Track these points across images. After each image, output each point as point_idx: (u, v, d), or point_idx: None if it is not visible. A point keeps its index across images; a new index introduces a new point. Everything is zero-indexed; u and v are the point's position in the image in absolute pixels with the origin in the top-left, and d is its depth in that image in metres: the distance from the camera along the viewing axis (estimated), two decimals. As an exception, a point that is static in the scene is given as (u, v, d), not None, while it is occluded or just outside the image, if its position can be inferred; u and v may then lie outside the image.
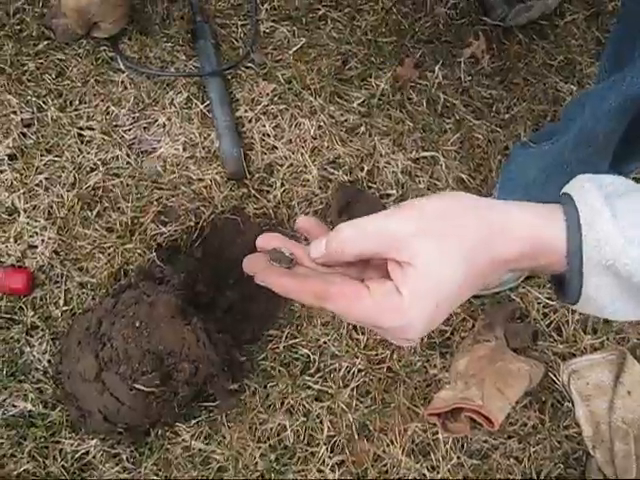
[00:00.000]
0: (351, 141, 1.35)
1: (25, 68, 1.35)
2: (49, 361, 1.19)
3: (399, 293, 0.48)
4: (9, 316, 1.21)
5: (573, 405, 1.26)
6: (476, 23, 1.49)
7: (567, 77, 1.47)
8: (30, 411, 1.17)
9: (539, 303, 1.30)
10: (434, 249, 0.48)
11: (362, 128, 1.36)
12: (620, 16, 1.06)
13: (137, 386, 1.06)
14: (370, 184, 1.33)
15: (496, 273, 0.52)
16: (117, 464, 1.16)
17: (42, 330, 1.20)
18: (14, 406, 1.17)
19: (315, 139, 1.35)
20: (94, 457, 1.16)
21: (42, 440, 1.15)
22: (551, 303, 1.30)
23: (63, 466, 1.14)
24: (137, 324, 1.08)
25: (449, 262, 0.48)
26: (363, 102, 1.39)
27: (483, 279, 0.51)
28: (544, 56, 1.48)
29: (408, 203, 0.50)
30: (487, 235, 0.49)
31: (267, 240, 0.58)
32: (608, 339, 1.30)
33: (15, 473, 1.14)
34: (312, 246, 0.54)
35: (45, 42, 1.37)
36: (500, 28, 1.48)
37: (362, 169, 1.34)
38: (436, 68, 1.42)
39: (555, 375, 1.27)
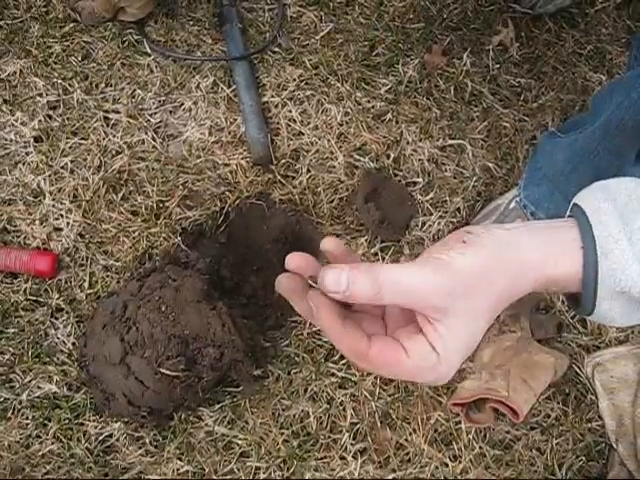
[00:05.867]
0: (378, 128, 1.36)
1: (51, 50, 1.37)
2: (73, 344, 1.20)
3: (435, 352, 0.49)
4: (34, 298, 1.22)
5: (597, 398, 1.26)
6: (505, 10, 1.48)
7: (596, 66, 1.47)
8: (55, 393, 1.18)
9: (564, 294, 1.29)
10: (464, 308, 0.49)
11: (389, 115, 1.37)
12: None
13: (162, 370, 1.07)
14: (396, 172, 1.34)
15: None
16: (140, 447, 1.17)
17: (67, 313, 1.22)
18: (39, 387, 1.18)
19: (342, 125, 1.35)
20: (118, 440, 1.17)
21: (66, 422, 1.17)
22: (576, 295, 1.29)
23: (87, 448, 1.16)
24: (163, 308, 1.09)
25: (477, 318, 0.50)
26: (390, 89, 1.39)
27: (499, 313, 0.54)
28: (573, 45, 1.48)
29: (441, 261, 0.49)
30: (510, 283, 0.51)
31: (297, 261, 0.55)
32: (633, 332, 1.30)
33: (40, 453, 1.15)
34: (328, 277, 0.49)
35: (71, 24, 1.38)
36: (529, 16, 1.48)
37: (388, 156, 1.34)
38: (464, 55, 1.42)
39: (579, 367, 1.27)
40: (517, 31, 1.46)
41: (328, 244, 0.57)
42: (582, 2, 1.49)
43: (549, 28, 1.48)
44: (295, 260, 0.54)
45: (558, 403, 1.25)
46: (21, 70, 1.35)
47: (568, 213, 0.54)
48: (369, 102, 1.37)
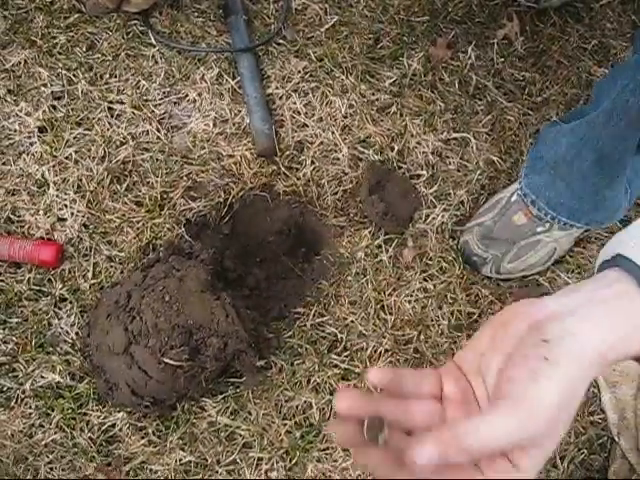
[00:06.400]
0: (382, 120, 1.37)
1: (56, 41, 1.37)
2: (77, 334, 1.21)
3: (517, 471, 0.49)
4: (38, 288, 1.23)
5: (599, 391, 1.27)
6: (510, 4, 1.49)
7: (601, 61, 1.47)
8: (58, 382, 1.19)
9: (568, 288, 1.30)
10: (549, 434, 0.49)
11: (393, 108, 1.38)
12: None
13: (166, 360, 1.08)
14: (400, 164, 1.35)
15: None
16: (143, 437, 1.18)
17: (70, 303, 1.23)
18: (42, 377, 1.19)
19: (346, 118, 1.36)
20: (120, 430, 1.18)
21: (69, 411, 1.18)
22: (579, 288, 1.30)
23: (90, 438, 1.17)
24: (167, 298, 1.10)
25: (564, 427, 0.50)
26: (394, 81, 1.40)
27: None
28: (578, 39, 1.48)
29: (519, 402, 0.48)
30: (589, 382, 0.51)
31: (348, 402, 0.52)
32: None
33: (43, 443, 1.16)
34: (421, 455, 0.47)
35: (76, 15, 1.39)
36: (534, 10, 1.48)
37: (392, 149, 1.35)
38: (469, 49, 1.43)
39: None
40: (522, 25, 1.47)
41: (375, 378, 0.55)
42: (587, -4, 1.51)
43: (554, 22, 1.48)
44: (346, 402, 0.52)
45: (560, 397, 1.26)
46: (25, 60, 1.35)
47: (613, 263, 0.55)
48: (373, 95, 1.38)
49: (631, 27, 1.50)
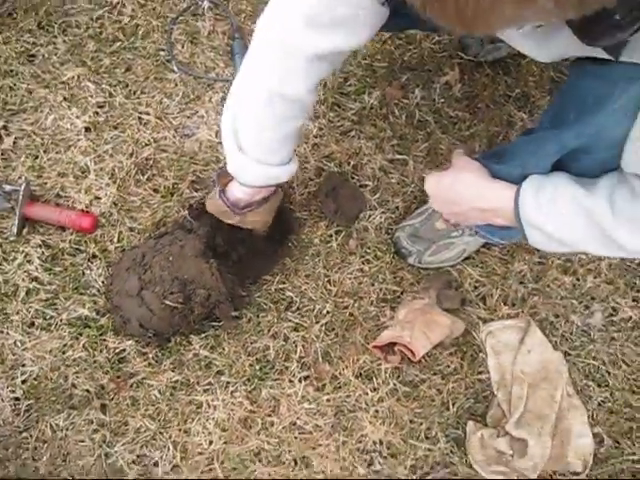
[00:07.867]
0: (343, 142, 1.64)
1: (102, 63, 1.65)
2: (103, 282, 1.48)
3: None
4: (77, 247, 1.51)
5: (486, 357, 1.53)
6: (454, 57, 1.74)
7: (521, 107, 1.73)
8: (86, 316, 1.46)
9: (472, 278, 1.59)
10: None
11: (353, 132, 1.65)
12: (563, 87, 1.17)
13: (166, 302, 1.37)
14: (354, 175, 1.62)
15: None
16: (145, 360, 1.45)
17: (100, 259, 1.50)
18: (75, 311, 1.47)
19: (316, 137, 1.64)
20: (129, 353, 1.45)
21: (93, 337, 1.45)
22: (481, 279, 1.60)
23: (107, 357, 1.45)
24: (170, 259, 1.39)
25: None
26: (356, 112, 1.67)
27: None
28: (505, 88, 1.73)
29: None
30: None
31: None
32: (522, 311, 1.58)
33: (72, 358, 1.44)
34: None
35: (118, 43, 1.68)
36: (473, 62, 1.73)
37: (349, 164, 1.62)
38: (417, 90, 1.70)
39: (476, 333, 1.55)
40: (461, 74, 1.71)
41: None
42: (515, 55, 1.76)
43: (487, 73, 1.72)
44: None
45: (457, 358, 1.53)
46: (78, 76, 1.62)
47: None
48: (339, 121, 1.65)
49: (550, 81, 1.77)
